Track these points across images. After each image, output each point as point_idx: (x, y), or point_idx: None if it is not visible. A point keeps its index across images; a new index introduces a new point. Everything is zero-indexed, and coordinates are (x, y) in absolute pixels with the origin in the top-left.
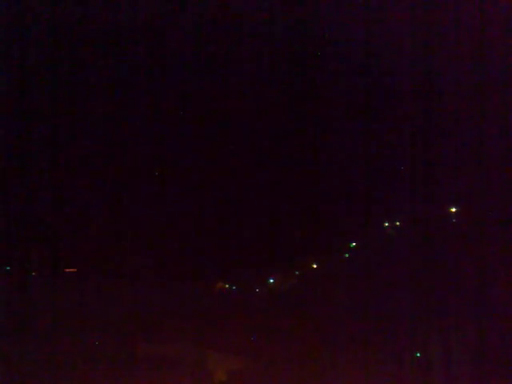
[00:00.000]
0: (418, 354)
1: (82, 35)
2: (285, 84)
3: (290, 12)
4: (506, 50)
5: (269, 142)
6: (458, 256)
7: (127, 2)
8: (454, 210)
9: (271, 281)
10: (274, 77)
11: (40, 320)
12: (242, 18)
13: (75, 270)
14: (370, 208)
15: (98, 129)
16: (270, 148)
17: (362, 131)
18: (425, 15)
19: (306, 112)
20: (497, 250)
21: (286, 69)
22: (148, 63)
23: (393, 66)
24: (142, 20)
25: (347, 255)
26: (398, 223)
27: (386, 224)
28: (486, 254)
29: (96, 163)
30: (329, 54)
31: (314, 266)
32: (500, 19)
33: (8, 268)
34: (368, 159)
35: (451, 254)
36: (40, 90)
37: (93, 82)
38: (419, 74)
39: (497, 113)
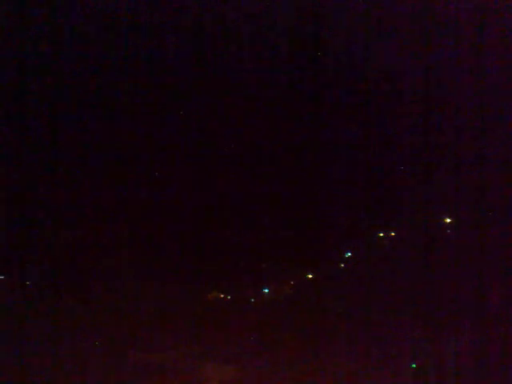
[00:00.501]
0: (414, 365)
1: (81, 34)
2: (283, 85)
3: (291, 11)
4: (506, 51)
5: (265, 150)
6: (455, 263)
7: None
8: (450, 218)
9: (266, 291)
10: (273, 77)
11: (32, 326)
12: (242, 16)
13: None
14: (364, 218)
15: (97, 130)
16: (266, 157)
17: (358, 140)
18: (425, 15)
19: (299, 122)
20: (495, 255)
21: (285, 68)
22: (148, 62)
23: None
24: (142, 18)
25: (342, 265)
26: (392, 233)
27: (381, 234)
28: (485, 260)
29: (90, 166)
30: (329, 54)
31: (309, 276)
32: (500, 19)
33: (2, 277)
34: (363, 167)
35: (448, 260)
36: (39, 89)
37: (92, 81)
38: (417, 80)
39: (496, 117)
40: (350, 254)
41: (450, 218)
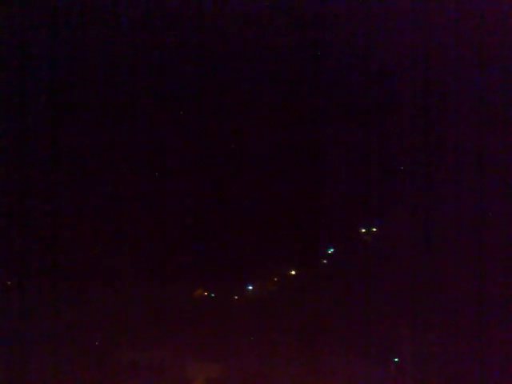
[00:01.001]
0: (396, 359)
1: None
2: (278, 86)
3: (291, 13)
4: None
5: (249, 148)
6: (440, 258)
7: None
8: (434, 213)
9: (250, 288)
10: (272, 76)
11: (17, 326)
12: (242, 17)
13: None
14: (347, 214)
15: (95, 133)
16: (249, 155)
17: (341, 137)
18: (426, 16)
19: (284, 120)
20: (485, 250)
21: (285, 68)
22: (148, 62)
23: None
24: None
25: (325, 261)
26: (374, 229)
27: (363, 230)
28: (472, 255)
29: (84, 167)
30: (329, 54)
31: (292, 273)
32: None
33: None
34: (346, 164)
35: (432, 256)
36: (39, 88)
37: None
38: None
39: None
40: (332, 250)
41: (434, 213)
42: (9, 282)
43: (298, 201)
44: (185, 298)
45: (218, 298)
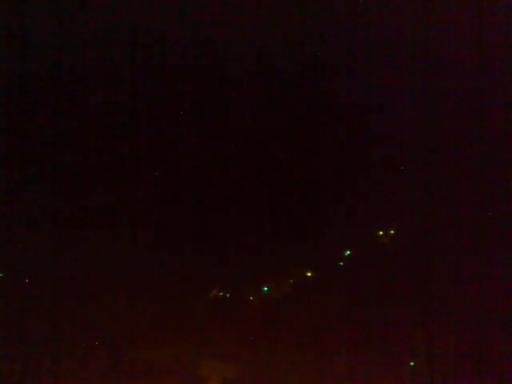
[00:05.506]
0: (412, 363)
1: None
2: (282, 84)
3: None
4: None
5: (264, 150)
6: (454, 261)
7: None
8: (448, 216)
9: (265, 289)
10: (272, 77)
11: (26, 324)
12: (242, 18)
13: None
14: (364, 216)
15: (99, 132)
16: (265, 156)
17: (356, 139)
18: (426, 17)
19: (297, 122)
20: (496, 254)
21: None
22: (150, 64)
23: None
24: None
25: (341, 263)
26: (392, 231)
27: (381, 232)
28: (485, 257)
29: (90, 167)
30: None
31: (308, 275)
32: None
33: (1, 275)
34: (362, 166)
35: (447, 258)
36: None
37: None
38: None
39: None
40: (349, 253)
41: (448, 216)
42: (26, 281)
43: (315, 203)
44: (200, 297)
45: (233, 299)
